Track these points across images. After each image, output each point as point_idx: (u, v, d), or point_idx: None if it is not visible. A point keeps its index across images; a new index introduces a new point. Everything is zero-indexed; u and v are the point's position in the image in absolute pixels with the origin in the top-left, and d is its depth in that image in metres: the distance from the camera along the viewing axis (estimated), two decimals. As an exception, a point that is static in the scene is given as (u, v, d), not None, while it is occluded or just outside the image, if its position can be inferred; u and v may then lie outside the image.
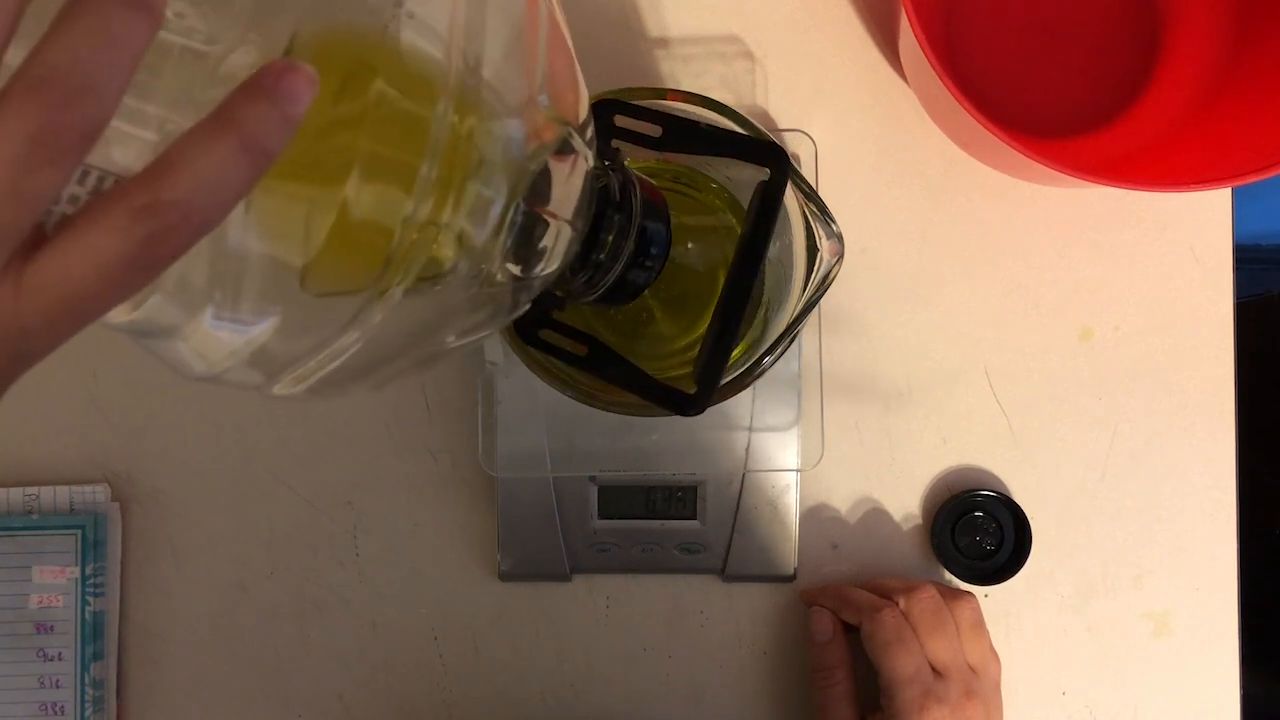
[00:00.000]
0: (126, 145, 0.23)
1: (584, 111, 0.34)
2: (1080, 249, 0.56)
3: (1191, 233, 0.56)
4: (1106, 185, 0.46)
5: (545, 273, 0.34)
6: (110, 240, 0.21)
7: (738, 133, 0.42)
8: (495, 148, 0.29)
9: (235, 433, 0.57)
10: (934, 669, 0.50)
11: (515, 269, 0.32)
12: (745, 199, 0.50)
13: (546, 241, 0.32)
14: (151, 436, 0.57)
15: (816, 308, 0.43)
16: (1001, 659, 0.52)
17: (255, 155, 0.21)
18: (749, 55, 0.56)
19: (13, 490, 0.55)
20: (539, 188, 0.31)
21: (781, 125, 0.56)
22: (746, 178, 0.49)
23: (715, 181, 0.50)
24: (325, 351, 0.29)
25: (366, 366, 0.31)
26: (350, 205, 0.26)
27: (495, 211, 0.29)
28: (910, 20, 0.45)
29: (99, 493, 0.55)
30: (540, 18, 0.31)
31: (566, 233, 0.34)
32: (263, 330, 0.27)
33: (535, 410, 0.52)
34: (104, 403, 0.57)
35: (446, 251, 0.28)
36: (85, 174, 0.22)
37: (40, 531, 0.55)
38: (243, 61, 0.25)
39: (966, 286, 0.56)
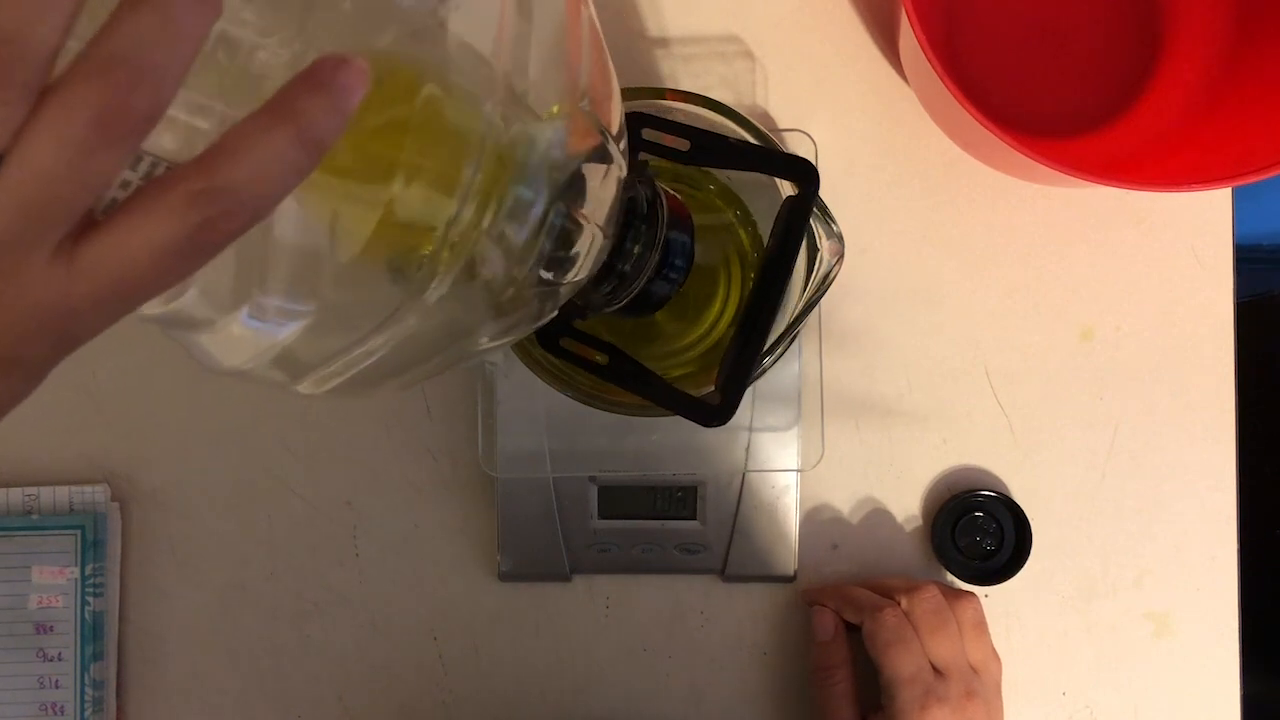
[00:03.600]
0: (177, 132, 0.23)
1: (619, 118, 0.34)
2: (1080, 249, 0.56)
3: (1191, 233, 0.56)
4: (1106, 185, 0.46)
5: (576, 279, 0.34)
6: (166, 224, 0.21)
7: (766, 148, 0.41)
8: (538, 151, 0.28)
9: (235, 433, 0.57)
10: (935, 669, 0.50)
11: (548, 274, 0.32)
12: (746, 198, 0.50)
13: (580, 247, 0.32)
14: (151, 436, 0.57)
15: (816, 308, 0.43)
16: (1002, 659, 0.52)
17: (310, 146, 0.21)
18: (749, 55, 0.56)
19: (12, 490, 0.55)
20: (576, 192, 0.31)
21: (781, 125, 0.56)
22: (746, 178, 0.49)
23: (716, 180, 0.50)
24: (355, 353, 0.28)
25: (394, 369, 0.31)
26: (396, 205, 0.26)
27: (535, 214, 0.29)
28: (910, 20, 0.45)
29: (99, 493, 0.55)
30: (583, 22, 0.31)
31: (599, 239, 0.33)
32: (293, 330, 0.27)
33: (535, 410, 0.52)
34: (104, 403, 0.57)
35: (485, 254, 0.28)
36: (139, 159, 0.22)
37: (40, 532, 0.54)
38: (290, 57, 0.25)
39: (967, 287, 0.56)
